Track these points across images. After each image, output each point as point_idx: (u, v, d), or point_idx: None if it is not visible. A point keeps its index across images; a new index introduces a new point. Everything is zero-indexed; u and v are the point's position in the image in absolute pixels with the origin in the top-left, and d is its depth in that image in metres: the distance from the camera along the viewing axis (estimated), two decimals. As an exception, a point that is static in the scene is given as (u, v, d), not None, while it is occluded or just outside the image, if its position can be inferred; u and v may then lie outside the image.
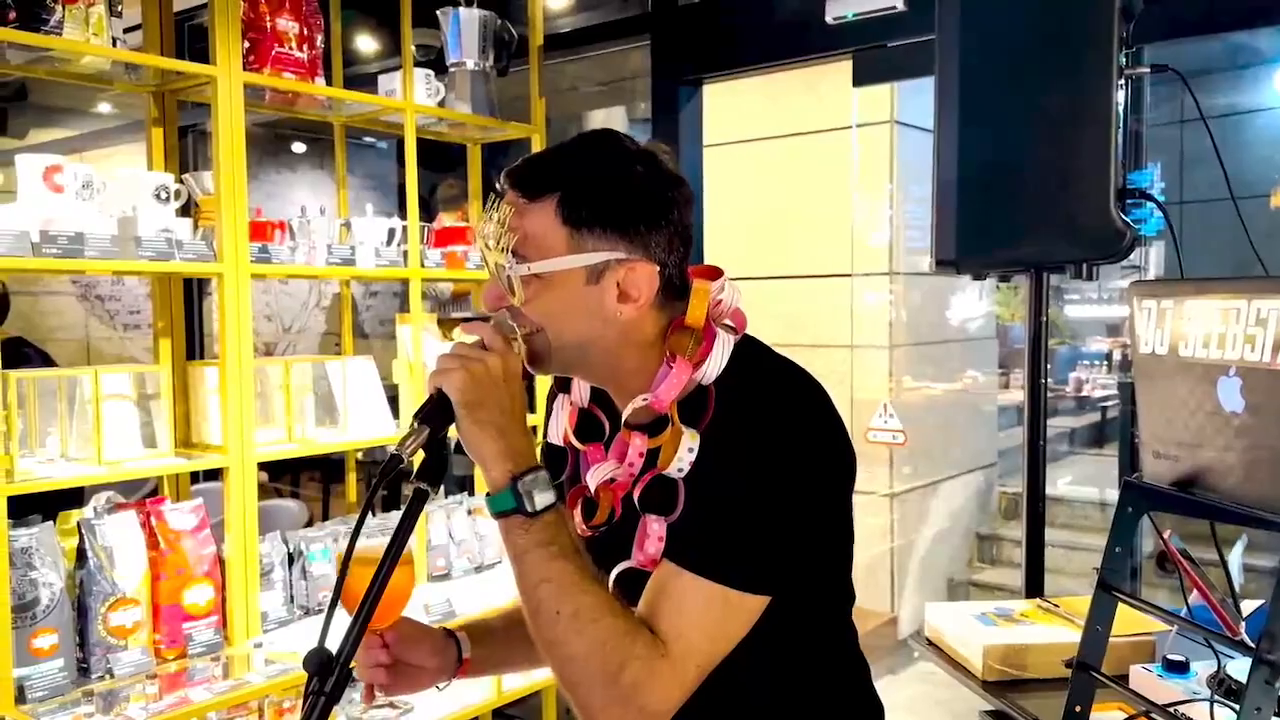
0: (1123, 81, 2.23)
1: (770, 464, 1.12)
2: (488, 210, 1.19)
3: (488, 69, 3.13)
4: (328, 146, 3.64)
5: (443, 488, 2.41)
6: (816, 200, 5.29)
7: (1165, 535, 1.73)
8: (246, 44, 2.50)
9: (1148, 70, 2.36)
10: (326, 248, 2.66)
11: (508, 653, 1.40)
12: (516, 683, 2.80)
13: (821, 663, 1.30)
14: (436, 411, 1.11)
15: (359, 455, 3.36)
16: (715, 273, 1.24)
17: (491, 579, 3.02)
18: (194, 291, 4.91)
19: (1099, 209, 2.22)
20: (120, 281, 7.14)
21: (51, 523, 2.23)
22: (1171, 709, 1.54)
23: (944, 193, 2.47)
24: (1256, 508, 1.33)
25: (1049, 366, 2.60)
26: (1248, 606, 1.74)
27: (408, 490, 1.12)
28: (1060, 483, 6.04)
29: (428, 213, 3.91)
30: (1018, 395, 4.25)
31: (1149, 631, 1.86)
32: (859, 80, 3.67)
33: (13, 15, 2.11)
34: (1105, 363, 7.25)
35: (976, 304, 5.93)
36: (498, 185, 1.21)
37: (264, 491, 2.65)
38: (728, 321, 1.23)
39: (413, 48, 2.93)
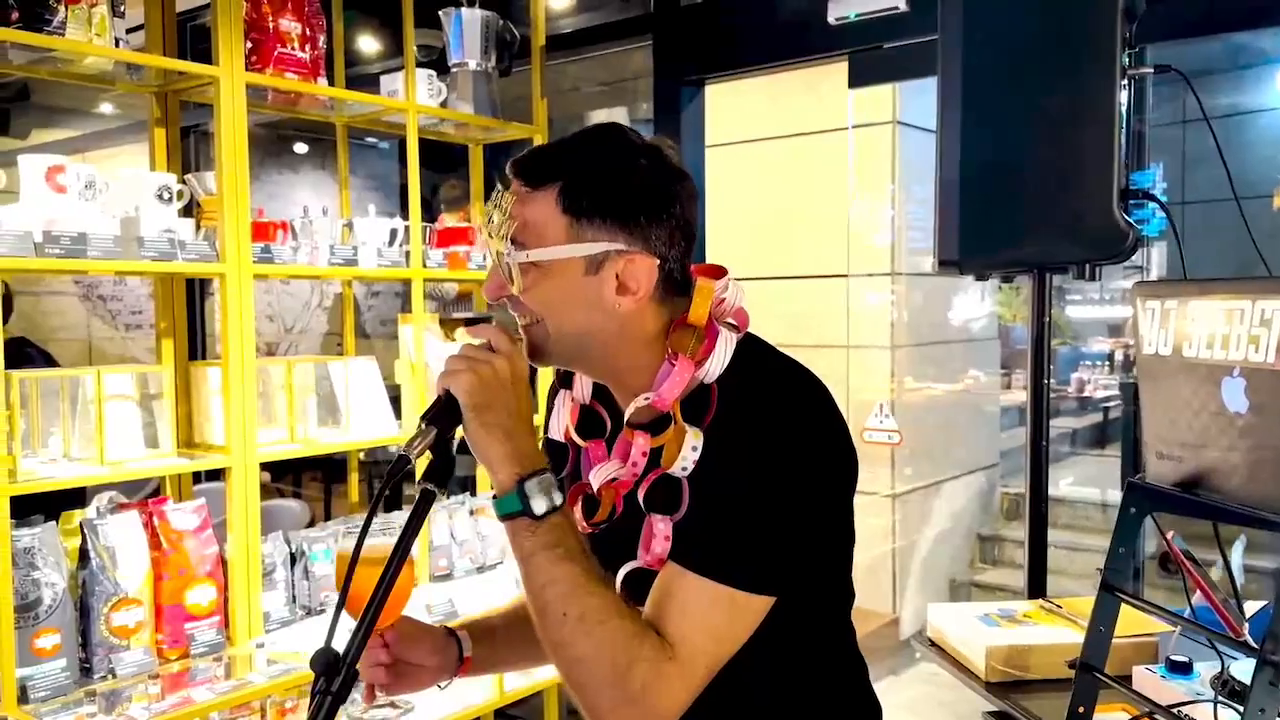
0: (1125, 82, 2.23)
1: (774, 464, 1.12)
2: (492, 198, 1.20)
3: (490, 69, 3.13)
4: (330, 147, 3.64)
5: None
6: (818, 200, 5.29)
7: (1168, 536, 1.73)
8: (249, 44, 2.50)
9: (1150, 70, 2.36)
10: (329, 248, 2.66)
11: (509, 651, 1.40)
12: (518, 682, 2.80)
13: (822, 663, 1.29)
14: (444, 413, 1.11)
15: (361, 455, 3.36)
16: (719, 271, 1.24)
17: (493, 579, 3.02)
18: (196, 292, 4.91)
19: (1102, 209, 2.22)
20: (122, 282, 7.14)
21: (54, 523, 2.23)
22: (1175, 710, 1.54)
23: (946, 193, 2.47)
24: (1260, 508, 1.33)
25: (1051, 367, 2.60)
26: (1250, 607, 1.74)
27: (412, 491, 1.12)
28: (1062, 483, 6.04)
29: (430, 213, 3.91)
30: (1019, 396, 4.25)
31: (1152, 632, 1.85)
32: (855, 82, 3.67)
33: (15, 15, 2.11)
34: (1107, 363, 7.25)
35: (978, 304, 5.93)
36: (504, 174, 1.21)
37: (266, 492, 2.64)
38: (730, 320, 1.23)
39: (415, 48, 2.93)
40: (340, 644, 1.02)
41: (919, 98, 4.80)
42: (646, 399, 1.18)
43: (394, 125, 3.11)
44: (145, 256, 2.25)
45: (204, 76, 2.43)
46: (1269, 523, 1.32)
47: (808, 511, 1.15)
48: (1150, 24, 2.31)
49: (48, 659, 2.11)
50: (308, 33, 2.63)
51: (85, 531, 2.23)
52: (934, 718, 4.04)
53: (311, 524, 3.43)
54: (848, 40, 3.42)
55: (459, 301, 3.95)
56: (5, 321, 3.57)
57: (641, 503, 1.19)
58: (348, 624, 1.05)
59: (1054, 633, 2.02)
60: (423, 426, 1.10)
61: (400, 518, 1.16)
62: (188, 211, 2.54)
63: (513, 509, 1.10)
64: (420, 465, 1.12)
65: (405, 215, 2.90)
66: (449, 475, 1.11)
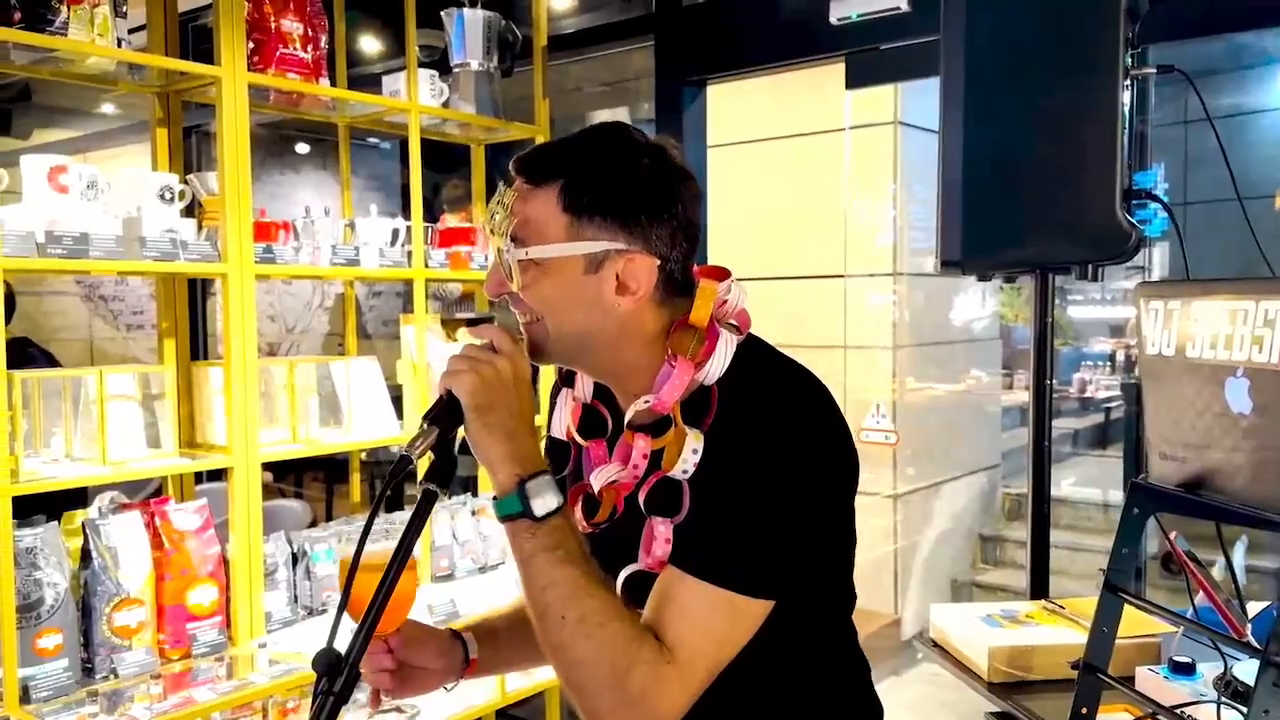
0: (1128, 82, 2.22)
1: (774, 466, 1.11)
2: (495, 195, 1.20)
3: (492, 70, 3.13)
4: (332, 147, 3.64)
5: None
6: (821, 201, 5.29)
7: (1171, 536, 1.72)
8: (251, 45, 2.50)
9: (1153, 70, 2.35)
10: (330, 248, 2.66)
11: (513, 652, 1.40)
12: (520, 683, 2.80)
13: (823, 664, 1.29)
14: (446, 413, 1.11)
15: (363, 455, 3.37)
16: (723, 273, 1.23)
17: (495, 579, 3.02)
18: (198, 292, 4.91)
19: (1104, 209, 2.22)
20: (124, 282, 7.14)
21: (56, 523, 2.23)
22: (1178, 711, 1.54)
23: (949, 193, 2.46)
24: (1264, 509, 1.33)
25: (1053, 367, 2.60)
26: (1252, 608, 1.74)
27: (414, 491, 1.12)
28: (1064, 484, 6.03)
29: (432, 213, 3.91)
30: (1021, 396, 4.25)
31: (1155, 633, 1.85)
32: (852, 83, 3.67)
33: (18, 16, 2.12)
34: (1109, 364, 7.25)
35: (980, 305, 5.93)
36: (507, 171, 1.21)
37: (268, 492, 2.64)
38: (732, 321, 1.22)
39: (417, 48, 2.94)
40: (342, 645, 1.02)
41: (921, 98, 4.80)
42: (646, 401, 1.18)
43: (396, 125, 3.11)
44: (147, 257, 2.25)
45: (206, 77, 2.43)
46: (1273, 523, 1.32)
47: (808, 515, 1.15)
48: (1153, 24, 2.31)
49: (50, 659, 2.11)
50: (310, 33, 2.63)
51: (87, 531, 2.23)
52: (936, 718, 4.03)
53: (313, 524, 3.43)
54: (849, 40, 3.42)
55: (461, 302, 3.95)
56: (7, 322, 3.56)
57: (642, 505, 1.19)
58: (349, 625, 1.05)
59: (1056, 633, 2.01)
60: (424, 427, 1.10)
61: (402, 518, 1.16)
62: (190, 212, 2.54)
63: (513, 510, 1.09)
64: (422, 465, 1.12)
65: (407, 215, 2.90)
66: (451, 475, 1.11)
